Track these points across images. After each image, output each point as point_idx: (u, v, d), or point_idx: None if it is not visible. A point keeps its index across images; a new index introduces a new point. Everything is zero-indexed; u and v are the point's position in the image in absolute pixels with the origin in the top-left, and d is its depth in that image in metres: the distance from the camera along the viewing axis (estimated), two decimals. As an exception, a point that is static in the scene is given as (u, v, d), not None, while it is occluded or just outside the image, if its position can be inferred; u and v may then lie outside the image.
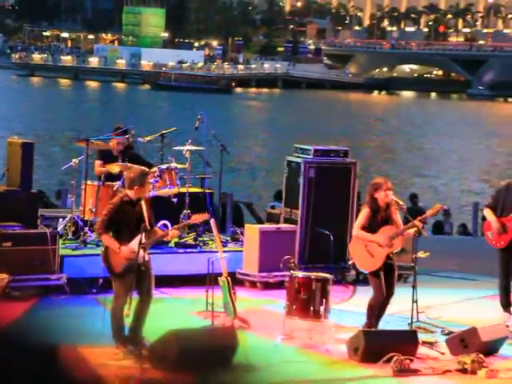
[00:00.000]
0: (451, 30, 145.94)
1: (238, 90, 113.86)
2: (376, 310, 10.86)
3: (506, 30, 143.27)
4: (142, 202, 9.91)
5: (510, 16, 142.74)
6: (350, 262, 12.59)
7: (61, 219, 13.88)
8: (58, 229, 13.29)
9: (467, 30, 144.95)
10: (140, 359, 9.51)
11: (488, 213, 11.77)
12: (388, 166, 46.81)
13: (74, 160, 13.95)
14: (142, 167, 10.98)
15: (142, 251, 9.80)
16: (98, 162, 14.04)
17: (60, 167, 15.58)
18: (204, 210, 13.16)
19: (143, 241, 9.82)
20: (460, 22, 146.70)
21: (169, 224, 13.25)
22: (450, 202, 31.89)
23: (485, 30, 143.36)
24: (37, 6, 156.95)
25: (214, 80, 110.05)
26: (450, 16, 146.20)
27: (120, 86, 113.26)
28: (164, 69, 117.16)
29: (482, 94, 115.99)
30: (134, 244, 9.80)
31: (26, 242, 12.22)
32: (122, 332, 9.97)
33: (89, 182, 13.85)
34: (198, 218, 10.53)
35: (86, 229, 13.33)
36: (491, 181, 43.01)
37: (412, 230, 10.83)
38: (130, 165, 13.57)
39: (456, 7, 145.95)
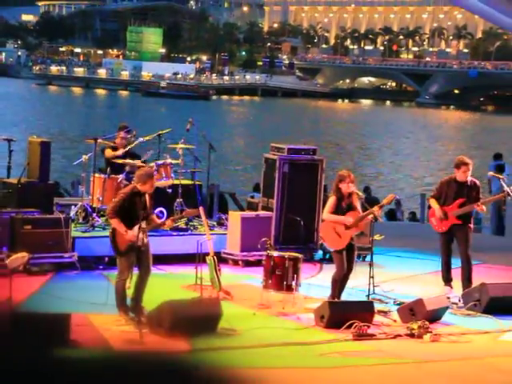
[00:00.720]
0: (403, 49, 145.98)
1: (224, 97, 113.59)
2: (338, 283, 10.84)
3: (448, 49, 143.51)
4: (147, 195, 9.90)
5: (451, 37, 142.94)
6: (320, 242, 12.59)
7: (73, 206, 13.78)
8: (71, 214, 13.19)
9: (416, 48, 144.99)
10: (139, 325, 9.45)
11: (432, 202, 11.75)
12: (348, 162, 46.78)
13: (84, 156, 13.85)
14: (151, 169, 10.90)
15: (141, 234, 9.75)
16: (108, 149, 13.90)
17: (72, 162, 15.44)
18: (194, 201, 13.16)
19: (143, 226, 9.78)
20: (410, 41, 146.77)
21: (164, 210, 13.19)
22: (400, 193, 31.94)
23: (430, 49, 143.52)
24: (54, 25, 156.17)
25: (194, 88, 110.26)
26: (401, 37, 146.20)
27: (124, 93, 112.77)
28: (152, 78, 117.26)
29: (429, 102, 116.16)
30: (137, 229, 9.77)
31: (43, 225, 12.13)
32: (125, 302, 9.93)
33: (96, 175, 13.76)
34: (190, 213, 10.55)
35: (94, 214, 13.25)
36: (435, 175, 43.10)
37: (370, 216, 10.82)
38: (131, 162, 13.49)
39: (406, 29, 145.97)
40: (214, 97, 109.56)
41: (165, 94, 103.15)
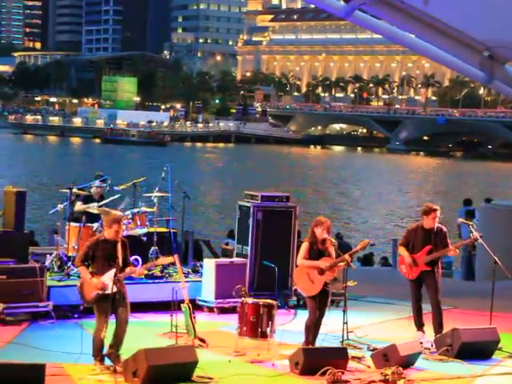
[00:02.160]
0: (373, 96, 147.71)
1: (198, 144, 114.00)
2: (311, 329, 10.81)
3: (416, 97, 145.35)
4: (119, 244, 9.83)
5: (419, 86, 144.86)
6: (292, 288, 12.55)
7: (48, 255, 13.68)
8: (46, 263, 13.08)
9: (386, 96, 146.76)
10: (115, 374, 9.34)
11: (402, 249, 11.78)
12: (321, 207, 46.93)
13: (59, 205, 13.80)
14: (117, 214, 10.85)
15: (111, 282, 9.68)
16: (78, 203, 13.89)
17: (48, 211, 15.37)
18: (170, 248, 13.09)
19: (116, 275, 9.71)
20: (380, 89, 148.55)
21: (140, 259, 13.13)
22: (373, 238, 32.04)
23: (400, 97, 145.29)
24: (30, 76, 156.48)
25: (152, 135, 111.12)
26: (371, 85, 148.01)
27: (97, 141, 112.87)
28: (112, 126, 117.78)
29: (399, 148, 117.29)
30: (106, 277, 9.70)
31: (18, 274, 11.99)
32: (101, 351, 9.82)
33: (72, 224, 13.69)
34: (163, 261, 10.52)
35: (70, 263, 13.15)
36: (406, 220, 43.33)
37: (342, 263, 10.83)
38: (107, 209, 13.46)
39: (376, 77, 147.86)
40: (199, 144, 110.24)
41: (123, 141, 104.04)
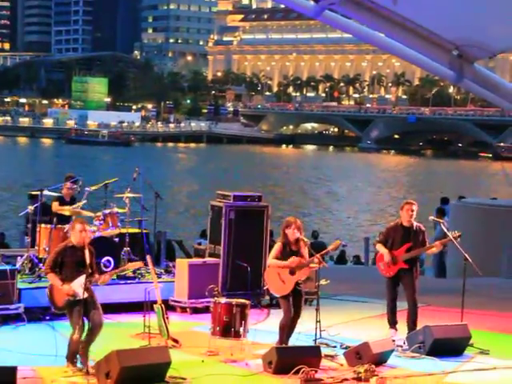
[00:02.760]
0: (344, 95, 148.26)
1: (170, 144, 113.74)
2: (286, 328, 10.81)
3: (387, 96, 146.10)
4: (86, 250, 9.78)
5: (389, 85, 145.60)
6: (264, 288, 12.55)
7: (19, 257, 13.57)
8: (17, 265, 12.98)
9: (356, 95, 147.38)
10: (87, 375, 9.30)
11: (380, 247, 11.76)
12: (294, 206, 47.03)
13: (29, 207, 13.71)
14: (81, 219, 10.67)
15: (83, 291, 9.65)
16: (55, 203, 13.77)
17: (18, 213, 15.25)
18: (142, 249, 13.04)
19: (84, 282, 9.69)
20: (350, 88, 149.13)
21: (112, 260, 13.07)
22: (345, 237, 32.17)
23: (371, 96, 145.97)
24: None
25: (116, 135, 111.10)
26: (342, 84, 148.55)
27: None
28: (75, 126, 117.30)
29: (370, 147, 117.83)
30: (75, 283, 9.68)
31: (-12, 277, 11.91)
32: (75, 355, 9.77)
33: (43, 226, 13.59)
34: (132, 266, 10.50)
35: (41, 265, 13.05)
36: (378, 218, 43.53)
37: (314, 265, 10.84)
38: (79, 210, 13.38)
39: (347, 77, 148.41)
40: (170, 143, 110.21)
41: (88, 141, 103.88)
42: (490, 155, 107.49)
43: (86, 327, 9.74)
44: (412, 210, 11.56)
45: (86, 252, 9.72)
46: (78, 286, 9.66)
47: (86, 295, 9.67)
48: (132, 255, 13.65)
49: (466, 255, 11.51)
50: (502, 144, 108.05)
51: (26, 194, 14.08)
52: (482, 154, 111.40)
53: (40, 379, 9.43)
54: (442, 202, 20.04)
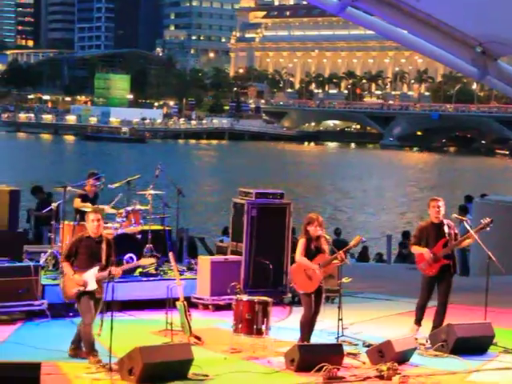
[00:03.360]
0: (366, 92, 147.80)
1: (192, 141, 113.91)
2: (306, 325, 10.81)
3: (409, 93, 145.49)
4: (104, 242, 9.85)
5: (412, 81, 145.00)
6: (290, 285, 12.54)
7: (42, 254, 13.67)
8: (40, 262, 13.08)
9: (379, 92, 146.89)
10: (110, 372, 9.35)
11: (416, 248, 11.60)
12: (316, 203, 46.97)
13: (53, 204, 13.80)
14: (93, 210, 10.73)
15: (93, 282, 9.71)
16: (77, 199, 13.85)
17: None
18: (164, 246, 13.07)
19: (97, 274, 9.75)
20: (373, 85, 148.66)
21: (134, 257, 13.12)
22: (367, 234, 32.06)
23: (393, 92, 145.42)
24: (22, 73, 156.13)
25: (131, 132, 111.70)
26: (364, 81, 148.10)
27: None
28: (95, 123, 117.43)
29: (393, 144, 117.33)
30: (87, 275, 9.75)
31: (12, 273, 11.99)
32: (93, 345, 9.82)
33: (66, 222, 13.68)
34: (145, 262, 10.56)
35: (64, 261, 13.13)
36: (399, 215, 43.40)
37: (336, 261, 10.83)
38: (101, 207, 13.44)
39: (369, 73, 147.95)
40: (192, 140, 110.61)
41: (103, 138, 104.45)
42: (507, 152, 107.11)
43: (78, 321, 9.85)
44: (438, 207, 11.51)
45: (103, 244, 9.79)
46: (89, 276, 9.73)
47: (95, 287, 9.71)
48: (154, 252, 13.69)
49: (489, 253, 11.45)
50: None
51: (30, 188, 14.20)
52: (499, 151, 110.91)
53: (63, 375, 9.50)
54: (466, 200, 19.92)
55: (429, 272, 11.55)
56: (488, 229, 11.52)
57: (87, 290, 9.72)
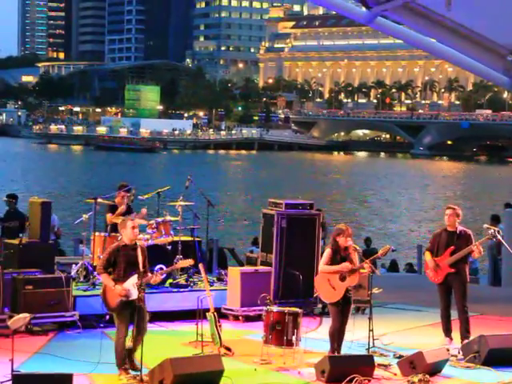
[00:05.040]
0: (395, 101, 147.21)
1: (221, 151, 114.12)
2: (335, 336, 10.78)
3: (439, 102, 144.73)
4: (139, 250, 9.86)
5: (442, 90, 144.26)
6: (315, 295, 12.52)
7: (74, 265, 13.77)
8: (72, 273, 13.16)
9: (408, 101, 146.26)
10: (141, 383, 9.37)
11: (427, 255, 11.85)
12: (346, 213, 46.83)
13: (84, 215, 13.90)
14: (128, 218, 10.83)
15: (135, 289, 9.69)
16: (109, 215, 13.94)
17: (73, 221, 15.47)
18: (194, 257, 13.12)
19: (137, 282, 9.72)
20: (403, 94, 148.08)
21: (164, 267, 13.14)
22: (397, 245, 31.92)
23: (423, 101, 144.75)
24: (53, 86, 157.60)
25: (141, 141, 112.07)
26: (394, 90, 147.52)
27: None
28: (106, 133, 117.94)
29: (423, 153, 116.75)
30: (128, 283, 9.72)
31: (44, 285, 12.08)
32: (124, 360, 9.85)
33: (97, 234, 13.77)
34: (182, 264, 10.53)
35: (95, 273, 13.21)
36: (432, 226, 43.13)
37: (365, 270, 10.80)
38: (131, 218, 13.49)
39: (399, 83, 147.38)
40: (222, 151, 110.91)
41: (114, 148, 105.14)
42: None
43: (131, 333, 9.80)
44: (452, 215, 11.55)
45: (138, 250, 9.78)
46: (130, 285, 9.70)
47: (137, 295, 9.67)
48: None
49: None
50: None
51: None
52: (510, 159, 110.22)
53: (95, 386, 9.54)
54: (506, 207, 19.68)
55: (434, 279, 11.71)
56: (495, 239, 11.57)
57: (130, 299, 9.66)
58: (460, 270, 11.58)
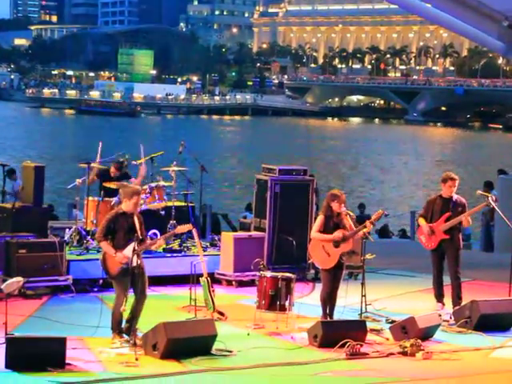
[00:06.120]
0: (390, 67, 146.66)
1: (215, 117, 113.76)
2: (327, 301, 10.83)
3: (434, 67, 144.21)
4: (135, 216, 9.85)
5: (437, 56, 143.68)
6: (309, 261, 12.56)
7: (67, 229, 13.76)
8: (65, 238, 13.17)
9: (403, 67, 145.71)
10: (135, 347, 9.41)
11: (421, 220, 11.89)
12: (339, 179, 46.86)
13: (77, 180, 13.87)
14: (135, 186, 10.86)
15: (135, 257, 9.72)
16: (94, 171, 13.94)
17: (66, 186, 15.44)
18: (187, 221, 13.13)
19: (136, 248, 9.74)
20: (397, 60, 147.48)
21: (158, 232, 13.17)
22: (391, 210, 31.95)
23: (417, 67, 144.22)
24: (46, 49, 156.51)
25: (122, 105, 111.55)
26: (388, 56, 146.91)
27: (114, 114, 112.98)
28: (86, 97, 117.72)
29: (417, 119, 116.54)
30: (127, 251, 9.72)
31: (38, 249, 12.10)
32: (120, 325, 9.89)
33: (90, 198, 13.75)
34: (181, 229, 10.51)
35: (88, 237, 13.23)
36: (425, 192, 43.19)
37: (361, 232, 10.81)
38: (125, 183, 13.48)
39: (393, 48, 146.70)
40: (215, 116, 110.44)
41: (95, 112, 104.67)
42: (500, 126, 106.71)
43: (131, 298, 9.83)
44: (454, 186, 11.60)
45: (135, 218, 9.78)
46: (130, 253, 9.69)
47: (138, 262, 9.70)
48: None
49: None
50: None
51: (6, 170, 14.31)
52: (492, 125, 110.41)
53: (88, 350, 9.58)
54: (499, 174, 19.68)
55: (427, 245, 11.74)
56: (491, 206, 11.63)
57: (131, 266, 9.67)
58: (454, 236, 11.64)
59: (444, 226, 11.58)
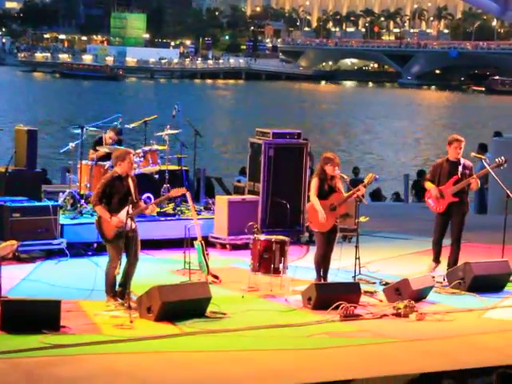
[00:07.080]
0: (384, 30, 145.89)
1: (209, 81, 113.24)
2: (321, 263, 10.86)
3: (428, 30, 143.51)
4: (130, 179, 9.84)
5: (431, 19, 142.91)
6: (306, 224, 12.56)
7: (61, 193, 13.73)
8: (59, 201, 13.14)
9: (397, 30, 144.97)
10: (129, 310, 9.44)
11: (428, 184, 11.73)
12: (334, 142, 46.79)
13: (71, 144, 13.82)
14: (125, 148, 10.85)
15: (129, 220, 9.71)
16: (91, 151, 13.90)
17: (59, 149, 15.38)
18: (181, 185, 13.12)
19: (130, 212, 9.73)
20: (391, 23, 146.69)
21: (152, 196, 13.17)
22: (384, 174, 32.01)
23: (411, 30, 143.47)
24: (38, 12, 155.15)
25: (104, 69, 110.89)
26: (382, 18, 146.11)
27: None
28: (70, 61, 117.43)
29: (411, 83, 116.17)
30: (123, 214, 9.72)
31: (31, 212, 12.08)
32: (114, 288, 9.91)
33: (84, 162, 13.70)
34: (176, 192, 10.47)
35: (82, 201, 13.21)
36: (418, 156, 43.20)
37: (354, 196, 10.81)
38: (117, 147, 13.43)
39: (387, 11, 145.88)
40: (209, 80, 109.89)
41: (78, 76, 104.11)
42: (483, 89, 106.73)
43: (124, 261, 9.85)
44: (460, 148, 11.52)
45: (129, 181, 9.77)
46: (125, 216, 9.70)
47: (133, 226, 9.70)
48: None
49: (508, 191, 11.42)
50: (496, 77, 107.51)
51: None
52: (475, 88, 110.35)
53: (83, 312, 9.61)
54: (495, 136, 19.64)
55: (436, 208, 11.67)
56: (502, 167, 11.56)
57: (126, 229, 9.65)
58: (462, 199, 11.59)
59: (452, 188, 11.49)
